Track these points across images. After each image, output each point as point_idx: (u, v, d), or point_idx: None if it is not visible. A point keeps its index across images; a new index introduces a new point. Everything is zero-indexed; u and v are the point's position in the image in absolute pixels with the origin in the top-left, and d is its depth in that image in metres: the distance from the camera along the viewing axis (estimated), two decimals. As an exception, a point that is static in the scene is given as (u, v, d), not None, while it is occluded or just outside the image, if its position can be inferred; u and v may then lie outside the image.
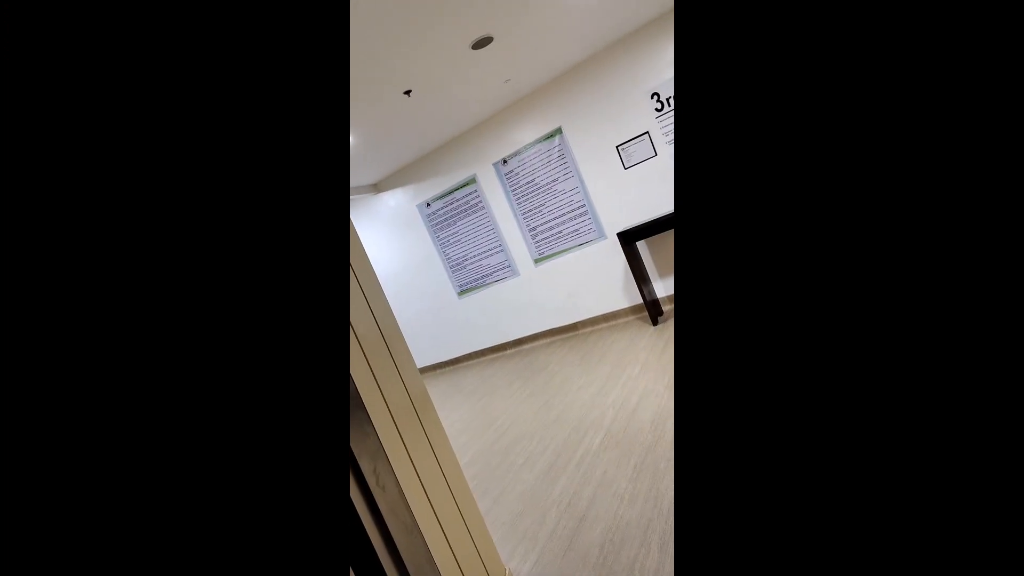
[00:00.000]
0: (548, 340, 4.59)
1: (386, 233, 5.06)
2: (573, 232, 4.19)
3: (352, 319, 1.14)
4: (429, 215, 4.76)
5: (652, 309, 3.66)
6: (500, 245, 4.53)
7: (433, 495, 1.23)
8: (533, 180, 4.19)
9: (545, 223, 4.27)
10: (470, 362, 5.08)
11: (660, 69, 3.50)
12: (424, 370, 5.42)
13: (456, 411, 3.65)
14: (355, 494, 0.96)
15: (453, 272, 4.86)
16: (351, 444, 0.97)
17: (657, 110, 3.61)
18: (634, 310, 4.13)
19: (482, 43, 2.63)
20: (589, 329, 4.35)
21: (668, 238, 3.81)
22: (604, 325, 4.26)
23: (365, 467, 0.99)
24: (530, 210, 4.29)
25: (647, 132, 3.70)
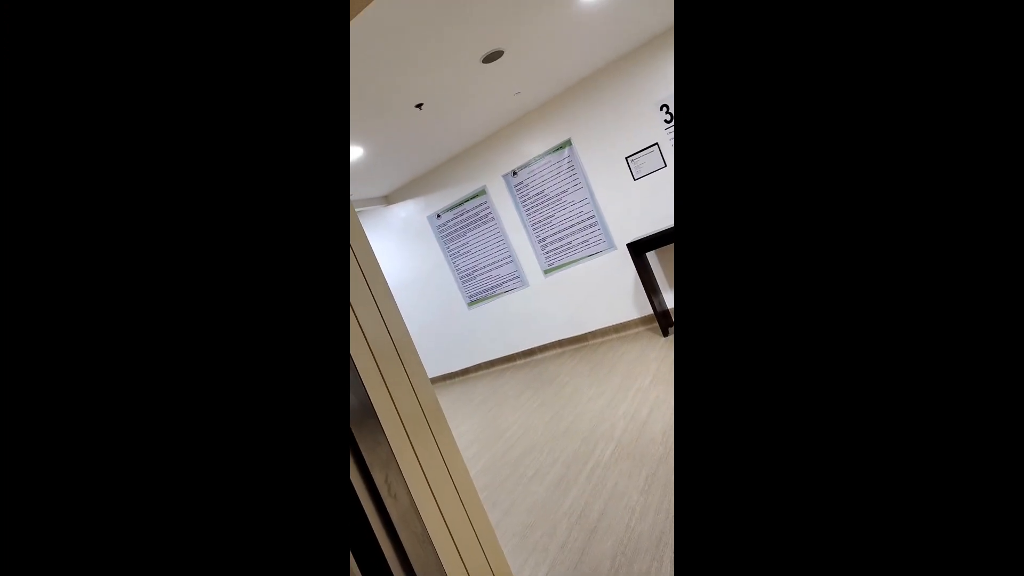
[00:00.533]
0: (558, 351, 4.58)
1: (397, 244, 5.10)
2: (583, 243, 4.19)
3: (364, 329, 1.15)
4: (439, 226, 4.80)
5: (662, 320, 3.64)
6: (510, 256, 4.54)
7: (444, 505, 1.23)
8: (543, 191, 4.22)
9: (555, 234, 4.28)
10: (480, 373, 5.08)
11: (669, 81, 3.52)
12: (434, 380, 5.42)
13: (466, 422, 3.64)
14: (367, 503, 0.97)
15: (463, 283, 4.88)
16: (363, 453, 0.98)
17: (666, 121, 3.63)
18: (644, 321, 4.11)
19: (492, 57, 2.67)
20: (599, 340, 4.33)
21: (678, 249, 3.80)
22: (614, 336, 4.25)
23: (377, 476, 0.99)
24: (539, 221, 4.31)
25: (656, 143, 3.71)
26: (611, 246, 4.09)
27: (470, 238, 4.68)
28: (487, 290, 4.78)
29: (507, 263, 4.58)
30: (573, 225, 4.19)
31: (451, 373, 5.29)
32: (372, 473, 0.98)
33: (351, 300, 1.14)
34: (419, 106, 2.93)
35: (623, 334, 4.20)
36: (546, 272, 4.43)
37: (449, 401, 4.47)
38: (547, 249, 4.36)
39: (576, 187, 4.08)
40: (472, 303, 4.91)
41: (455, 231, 4.73)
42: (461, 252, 4.77)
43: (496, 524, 2.03)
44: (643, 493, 1.83)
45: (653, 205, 3.85)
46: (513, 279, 4.61)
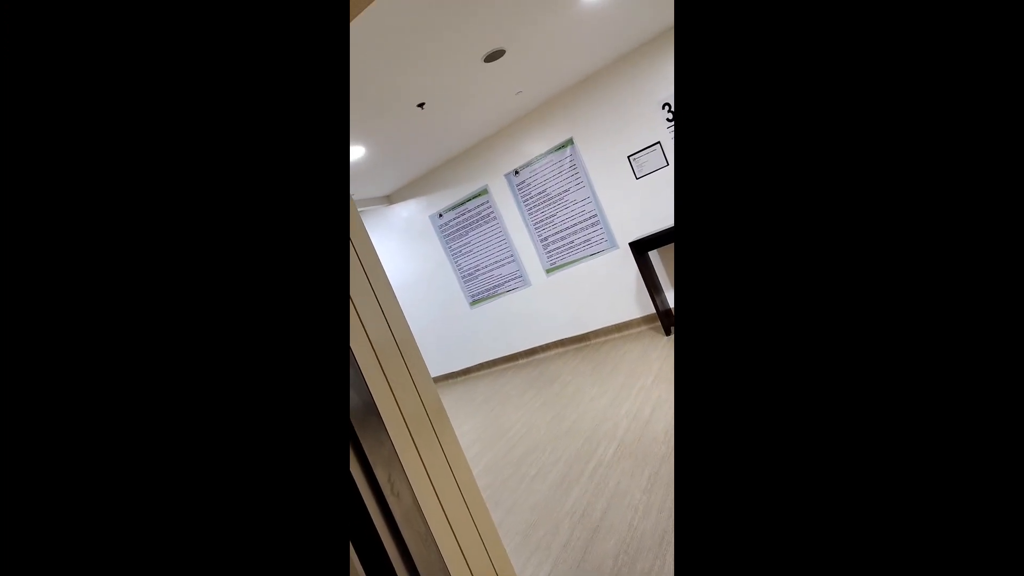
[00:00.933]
0: (560, 350, 4.58)
1: (399, 244, 5.10)
2: (585, 242, 4.19)
3: (367, 328, 1.15)
4: (441, 226, 4.80)
5: (665, 319, 3.64)
6: (512, 255, 4.54)
7: (447, 504, 1.24)
8: (545, 191, 4.21)
9: (557, 233, 4.28)
10: (482, 372, 5.08)
11: (671, 80, 3.51)
12: (437, 380, 5.42)
13: (468, 421, 3.64)
14: (370, 502, 0.97)
15: (465, 282, 4.88)
16: (366, 452, 0.98)
17: (668, 120, 3.62)
18: (646, 320, 4.11)
19: (494, 56, 2.67)
20: (602, 339, 4.33)
21: (680, 248, 3.79)
22: (616, 335, 4.25)
23: (380, 475, 0.99)
24: (542, 220, 4.31)
25: (659, 142, 3.70)
26: (613, 245, 4.08)
27: (472, 237, 4.68)
28: (489, 289, 4.78)
29: (509, 262, 4.58)
30: (575, 224, 4.18)
31: (453, 372, 5.29)
32: (375, 472, 0.98)
33: (353, 298, 1.14)
34: (421, 105, 2.93)
35: (625, 333, 4.19)
36: (548, 271, 4.43)
37: (451, 400, 4.48)
38: (549, 248, 4.36)
39: (578, 186, 4.08)
40: (474, 302, 4.91)
41: (457, 231, 4.73)
42: (463, 252, 4.77)
43: (499, 523, 2.04)
44: (646, 492, 1.83)
45: (655, 204, 3.84)
46: (515, 278, 4.61)
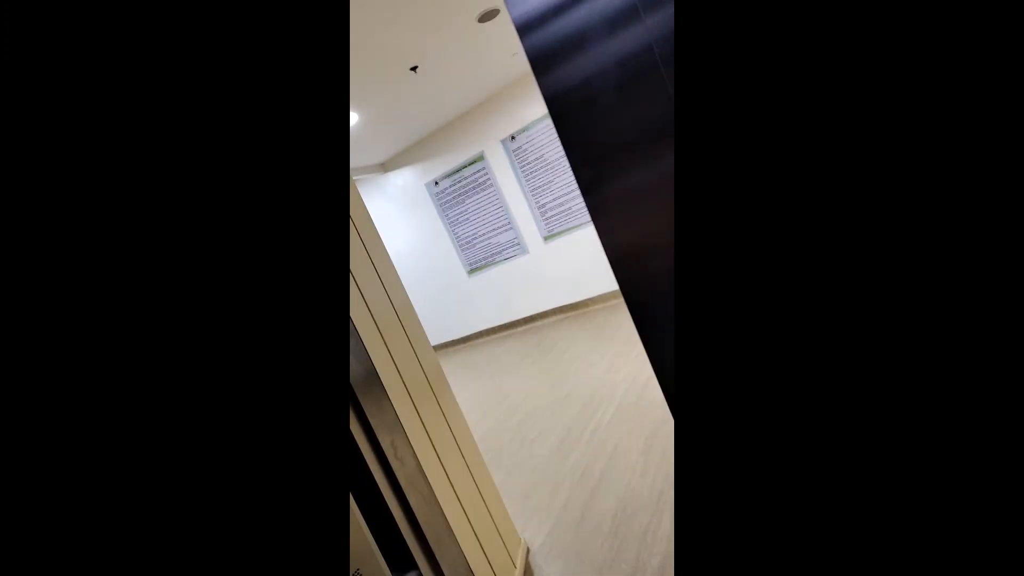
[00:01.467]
0: (559, 317, 4.60)
1: (395, 213, 5.05)
2: (583, 208, 4.15)
3: (367, 299, 1.15)
4: (437, 194, 4.75)
5: (663, 285, 3.64)
6: (509, 223, 4.51)
7: (449, 468, 1.26)
8: (542, 156, 4.15)
9: (554, 199, 4.24)
10: (481, 340, 5.12)
11: (671, 39, 3.42)
12: (436, 348, 5.47)
13: (468, 388, 3.69)
14: (374, 467, 0.99)
15: (463, 250, 4.86)
16: (369, 418, 1.00)
17: (668, 82, 3.54)
18: (644, 286, 4.12)
19: (489, 15, 2.58)
20: (600, 306, 4.35)
21: (679, 213, 3.77)
22: (615, 301, 4.26)
23: (383, 440, 1.01)
24: (539, 187, 4.26)
25: (658, 105, 3.63)
26: (611, 211, 4.05)
27: (469, 205, 4.63)
28: (487, 257, 4.76)
29: (507, 230, 4.55)
30: (574, 190, 4.14)
31: (452, 341, 5.33)
32: (378, 437, 1.00)
33: (352, 271, 1.14)
34: (414, 69, 2.85)
35: (623, 300, 4.21)
36: (546, 238, 4.41)
37: (451, 368, 4.52)
38: (547, 215, 4.33)
39: (576, 151, 4.01)
40: (472, 271, 4.90)
41: (454, 198, 4.68)
42: (460, 220, 4.74)
43: (500, 485, 2.09)
44: (643, 454, 1.88)
45: (654, 169, 3.79)
46: (513, 246, 4.59)
